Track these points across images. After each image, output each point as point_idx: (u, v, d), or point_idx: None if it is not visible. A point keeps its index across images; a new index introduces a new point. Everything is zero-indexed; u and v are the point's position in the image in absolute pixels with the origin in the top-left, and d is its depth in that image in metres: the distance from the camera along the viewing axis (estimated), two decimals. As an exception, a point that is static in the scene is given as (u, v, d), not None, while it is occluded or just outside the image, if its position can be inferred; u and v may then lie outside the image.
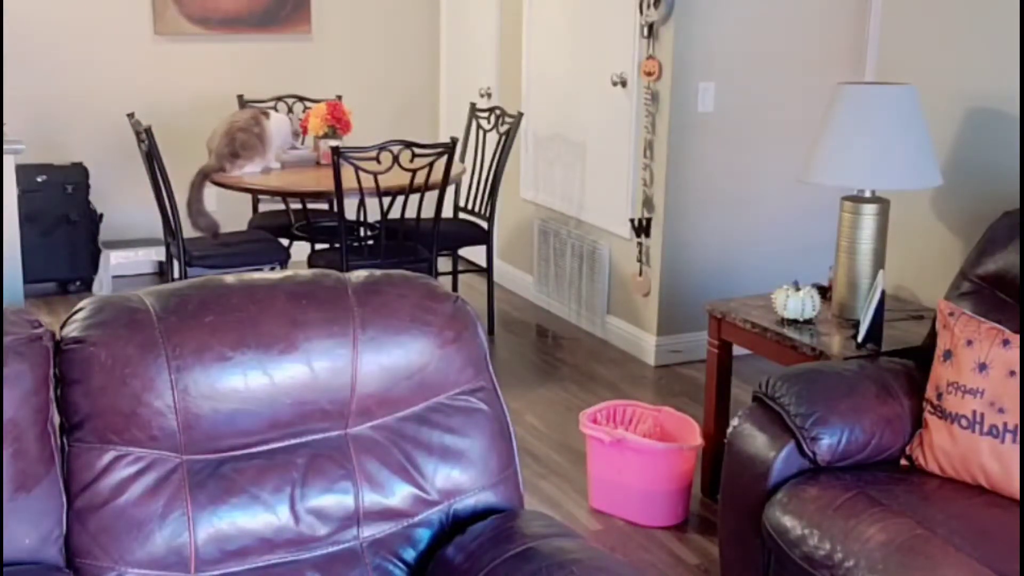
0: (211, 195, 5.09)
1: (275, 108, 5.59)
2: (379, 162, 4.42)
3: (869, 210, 3.33)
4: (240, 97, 5.95)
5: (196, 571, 1.85)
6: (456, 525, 2.03)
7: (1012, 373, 2.53)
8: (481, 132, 5.51)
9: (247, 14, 6.26)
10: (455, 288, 5.52)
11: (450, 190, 5.19)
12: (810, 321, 3.34)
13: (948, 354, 2.64)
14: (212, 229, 4.80)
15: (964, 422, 2.56)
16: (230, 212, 5.80)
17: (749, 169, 4.90)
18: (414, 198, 4.77)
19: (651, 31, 4.70)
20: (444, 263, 5.44)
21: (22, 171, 5.46)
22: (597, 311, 5.32)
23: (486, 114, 5.48)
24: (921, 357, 2.88)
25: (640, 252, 4.94)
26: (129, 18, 6.03)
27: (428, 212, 4.95)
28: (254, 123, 4.85)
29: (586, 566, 1.83)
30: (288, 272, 2.05)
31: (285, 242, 5.19)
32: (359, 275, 2.06)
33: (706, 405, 3.64)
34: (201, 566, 1.86)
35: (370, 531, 1.98)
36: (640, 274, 4.96)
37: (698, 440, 3.50)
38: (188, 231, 4.79)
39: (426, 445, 2.03)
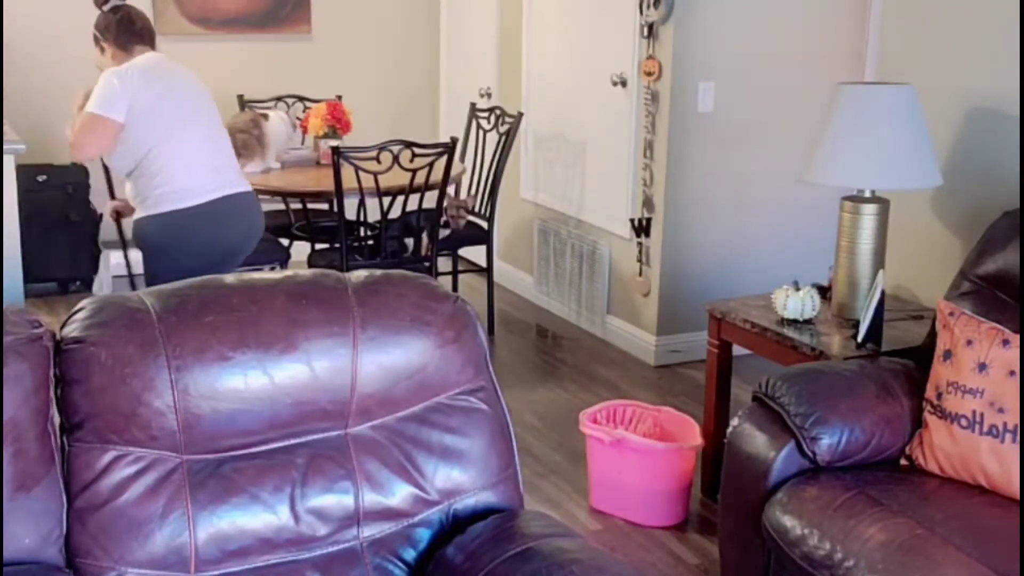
0: (211, 195, 5.07)
1: (275, 108, 5.59)
2: (379, 162, 4.41)
3: (869, 210, 3.33)
4: (240, 97, 5.94)
5: (196, 571, 1.85)
6: (456, 525, 2.03)
7: (1012, 373, 2.53)
8: (481, 132, 5.51)
9: (247, 14, 6.26)
10: (455, 288, 5.52)
11: (450, 190, 5.18)
12: (810, 321, 3.34)
13: (948, 354, 2.64)
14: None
15: (964, 422, 2.56)
16: (230, 212, 5.79)
17: (749, 169, 4.90)
18: (414, 198, 4.77)
19: (651, 31, 4.70)
20: (444, 263, 5.44)
21: (23, 171, 5.44)
22: (597, 311, 5.32)
23: (486, 114, 5.48)
24: (921, 357, 2.88)
25: (640, 252, 4.94)
26: (129, 18, 6.02)
27: (428, 212, 4.96)
28: (253, 125, 4.85)
29: (586, 566, 1.83)
30: (288, 272, 2.05)
31: (285, 242, 5.18)
32: (359, 275, 2.06)
33: (706, 405, 3.64)
34: (201, 566, 1.86)
35: (370, 531, 1.98)
36: (640, 274, 4.96)
37: (698, 440, 3.50)
38: (188, 231, 4.79)
39: (426, 445, 2.03)
